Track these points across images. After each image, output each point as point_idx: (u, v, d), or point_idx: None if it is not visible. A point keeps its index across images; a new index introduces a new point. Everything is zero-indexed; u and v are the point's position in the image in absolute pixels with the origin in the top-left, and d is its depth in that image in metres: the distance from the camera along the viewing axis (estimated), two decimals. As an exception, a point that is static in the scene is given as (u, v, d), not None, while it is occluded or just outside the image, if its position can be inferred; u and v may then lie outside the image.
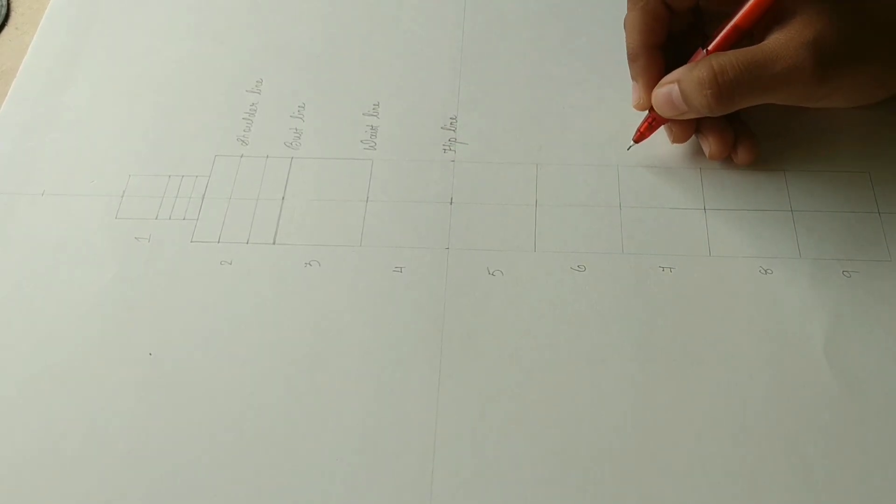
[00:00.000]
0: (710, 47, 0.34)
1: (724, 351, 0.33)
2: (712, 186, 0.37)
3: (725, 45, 0.34)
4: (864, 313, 0.33)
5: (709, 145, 0.37)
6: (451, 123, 0.40)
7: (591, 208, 0.37)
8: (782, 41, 0.32)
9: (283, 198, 0.38)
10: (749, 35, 0.34)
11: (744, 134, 0.37)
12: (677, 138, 0.37)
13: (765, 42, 0.33)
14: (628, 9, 0.37)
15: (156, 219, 0.37)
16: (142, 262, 0.36)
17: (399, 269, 0.35)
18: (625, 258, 0.35)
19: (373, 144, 0.39)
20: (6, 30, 0.46)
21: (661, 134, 0.38)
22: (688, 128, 0.37)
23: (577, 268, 0.35)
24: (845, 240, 0.35)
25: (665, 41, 0.37)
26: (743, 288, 0.34)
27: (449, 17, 0.44)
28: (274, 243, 0.36)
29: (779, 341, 0.33)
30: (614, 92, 0.39)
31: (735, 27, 0.34)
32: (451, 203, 0.37)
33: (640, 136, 0.38)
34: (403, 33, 0.43)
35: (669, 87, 0.35)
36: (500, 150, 0.39)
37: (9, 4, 0.47)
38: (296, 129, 0.40)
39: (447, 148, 0.39)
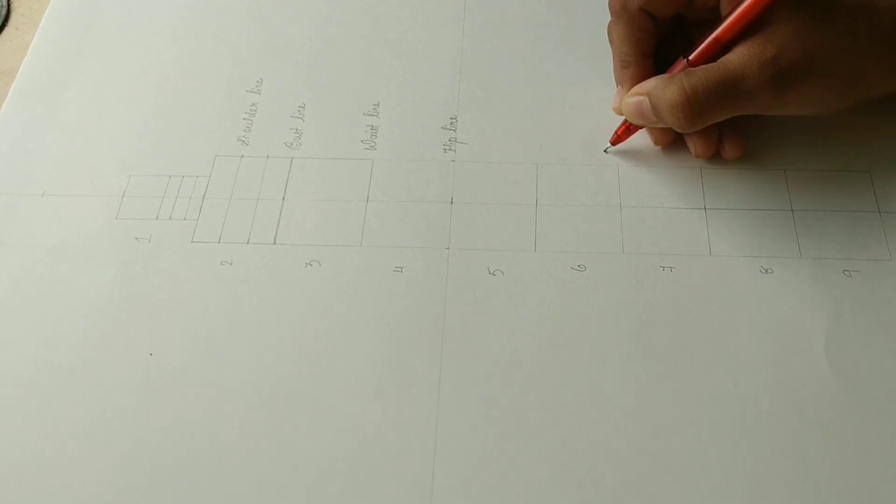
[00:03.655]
0: (691, 57, 0.35)
1: (724, 351, 0.33)
2: (712, 186, 0.37)
3: (706, 57, 0.34)
4: (864, 313, 0.33)
5: (693, 145, 0.37)
6: (451, 123, 0.40)
7: (591, 208, 0.37)
8: (746, 58, 0.33)
9: (283, 198, 0.38)
10: (730, 47, 0.34)
11: (729, 129, 0.37)
12: (659, 141, 0.38)
13: (730, 58, 0.33)
14: (612, 21, 0.37)
15: (156, 219, 0.37)
16: (142, 262, 0.36)
17: (399, 269, 0.35)
18: (625, 258, 0.35)
19: (373, 144, 0.39)
20: (6, 30, 0.46)
21: (661, 134, 0.39)
22: (667, 132, 0.37)
23: (577, 268, 0.35)
24: (846, 239, 0.35)
25: (654, 49, 0.37)
26: (743, 288, 0.34)
27: (449, 17, 0.44)
28: (274, 243, 0.36)
29: (779, 341, 0.33)
30: (614, 92, 0.39)
31: (716, 40, 0.34)
32: (451, 203, 0.37)
33: (616, 139, 0.38)
34: (403, 33, 0.43)
35: (639, 100, 0.35)
36: (500, 150, 0.39)
37: (9, 4, 0.47)
38: (296, 129, 0.40)
39: (447, 148, 0.39)
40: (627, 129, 0.38)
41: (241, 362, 0.33)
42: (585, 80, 0.41)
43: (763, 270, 0.35)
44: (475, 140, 0.39)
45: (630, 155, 0.38)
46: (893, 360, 0.32)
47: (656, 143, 0.38)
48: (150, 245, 0.36)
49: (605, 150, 0.38)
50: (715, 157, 0.38)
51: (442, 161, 0.39)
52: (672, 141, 0.38)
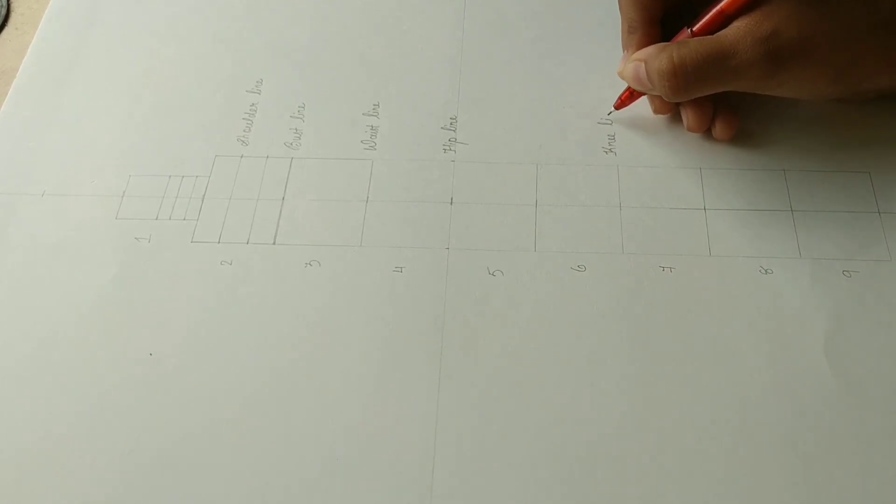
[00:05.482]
0: (695, 28, 0.35)
1: (724, 351, 0.33)
2: (712, 186, 0.37)
3: (710, 29, 0.35)
4: (864, 313, 0.33)
5: (686, 117, 0.37)
6: (451, 123, 0.40)
7: (591, 208, 0.37)
8: (741, 33, 0.33)
9: (283, 198, 0.38)
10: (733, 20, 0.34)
11: (724, 108, 0.37)
12: (657, 109, 0.38)
13: (725, 32, 0.33)
14: None
15: (156, 219, 0.37)
16: (142, 262, 0.36)
17: (399, 269, 0.35)
18: (625, 258, 0.35)
19: (373, 144, 0.39)
20: (6, 30, 0.46)
21: (660, 133, 0.39)
22: (665, 101, 0.37)
23: (577, 268, 0.35)
24: (845, 240, 0.35)
25: (663, 15, 0.37)
26: (743, 288, 0.34)
27: (449, 17, 0.44)
28: (274, 243, 0.36)
29: (779, 341, 0.33)
30: (614, 92, 0.39)
31: (720, 12, 0.34)
32: (451, 203, 0.37)
33: (620, 104, 0.39)
34: (403, 33, 0.43)
35: (637, 65, 0.36)
36: (500, 150, 0.39)
37: (9, 4, 0.47)
38: (296, 129, 0.40)
39: (447, 148, 0.39)
40: (630, 95, 0.38)
41: (241, 362, 0.33)
42: (585, 80, 0.41)
43: (763, 270, 0.35)
44: (475, 140, 0.39)
45: (630, 155, 0.38)
46: (893, 360, 0.32)
47: (655, 111, 0.38)
48: (150, 245, 0.36)
49: (608, 114, 0.39)
50: (707, 135, 0.38)
51: (442, 161, 0.39)
52: (671, 111, 0.38)
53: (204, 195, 0.38)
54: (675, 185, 0.37)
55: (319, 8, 0.45)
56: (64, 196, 0.38)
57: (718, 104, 0.37)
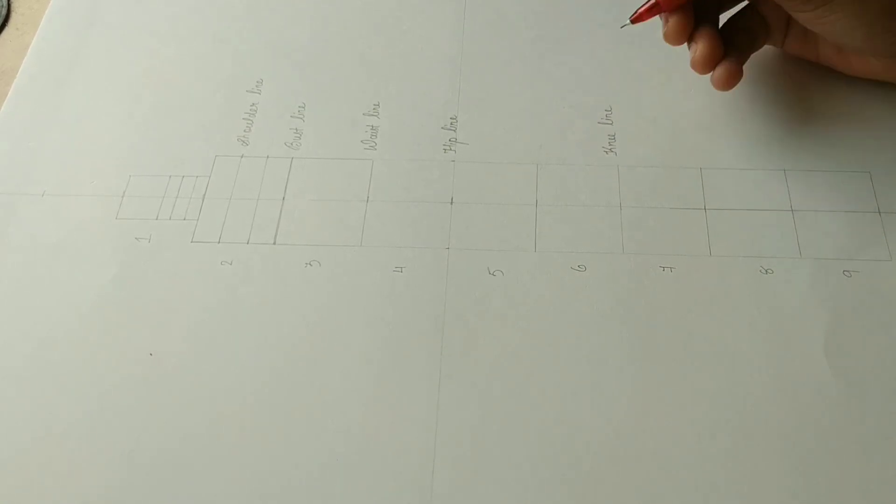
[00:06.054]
0: None
1: (724, 351, 0.33)
2: (712, 186, 0.37)
3: None
4: (864, 313, 0.33)
5: (695, 49, 0.35)
6: (451, 123, 0.40)
7: (591, 208, 0.37)
8: None
9: (283, 198, 0.38)
10: None
11: (732, 55, 0.36)
12: (668, 34, 0.36)
13: None
14: None
15: (156, 219, 0.37)
16: (142, 262, 0.36)
17: (399, 269, 0.35)
18: (625, 258, 0.35)
19: (373, 144, 0.39)
20: (6, 30, 0.46)
21: (660, 133, 0.39)
22: (683, 23, 0.35)
23: (577, 268, 0.35)
24: (846, 239, 0.35)
25: None
26: (743, 288, 0.34)
27: (449, 17, 0.44)
28: (274, 243, 0.36)
29: (779, 341, 0.33)
30: (614, 92, 0.39)
31: None
32: (451, 203, 0.37)
33: (637, 18, 0.36)
34: (403, 33, 0.43)
35: None
36: (500, 150, 0.39)
37: (9, 4, 0.47)
38: (296, 129, 0.40)
39: (447, 148, 0.39)
40: (650, 9, 0.36)
41: (241, 362, 0.33)
42: (585, 79, 0.41)
43: (763, 270, 0.35)
44: (475, 140, 0.39)
45: (630, 154, 0.38)
46: (893, 360, 0.32)
47: (666, 34, 0.36)
48: (150, 245, 0.36)
49: (621, 27, 0.37)
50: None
51: (442, 161, 0.39)
52: (683, 38, 0.36)
53: (204, 195, 0.38)
54: (675, 185, 0.37)
55: (319, 8, 0.45)
56: (64, 196, 0.38)
57: (729, 50, 0.35)
